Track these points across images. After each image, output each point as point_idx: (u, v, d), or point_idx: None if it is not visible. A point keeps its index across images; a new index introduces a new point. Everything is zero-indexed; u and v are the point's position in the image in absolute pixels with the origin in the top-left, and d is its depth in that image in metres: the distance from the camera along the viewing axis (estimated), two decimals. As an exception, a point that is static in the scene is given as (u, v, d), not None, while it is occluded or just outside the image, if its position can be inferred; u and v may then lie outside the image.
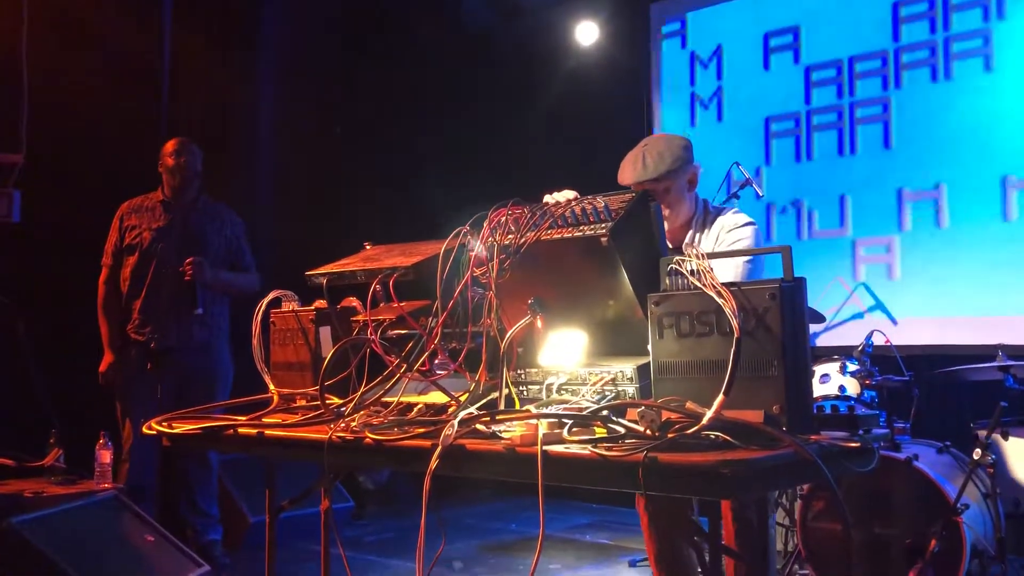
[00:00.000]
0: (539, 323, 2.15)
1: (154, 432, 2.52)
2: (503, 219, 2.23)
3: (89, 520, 3.62)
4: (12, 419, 4.84)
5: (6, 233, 5.16)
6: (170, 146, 4.72)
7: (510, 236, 2.19)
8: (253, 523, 4.94)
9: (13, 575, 3.24)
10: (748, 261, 2.77)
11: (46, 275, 5.25)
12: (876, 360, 4.25)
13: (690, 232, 2.94)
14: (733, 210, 2.99)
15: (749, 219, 2.94)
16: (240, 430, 2.39)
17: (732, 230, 2.88)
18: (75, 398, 4.76)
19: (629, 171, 2.88)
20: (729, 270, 2.72)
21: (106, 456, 4.04)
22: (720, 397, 1.73)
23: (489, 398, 2.12)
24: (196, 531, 4.62)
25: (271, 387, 2.64)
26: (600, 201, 2.15)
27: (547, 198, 2.62)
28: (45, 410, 4.27)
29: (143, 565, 3.50)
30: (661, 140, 2.97)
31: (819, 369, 4.27)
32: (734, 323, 1.77)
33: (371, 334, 2.31)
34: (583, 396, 2.04)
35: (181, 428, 2.51)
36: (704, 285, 1.85)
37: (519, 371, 2.19)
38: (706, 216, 2.96)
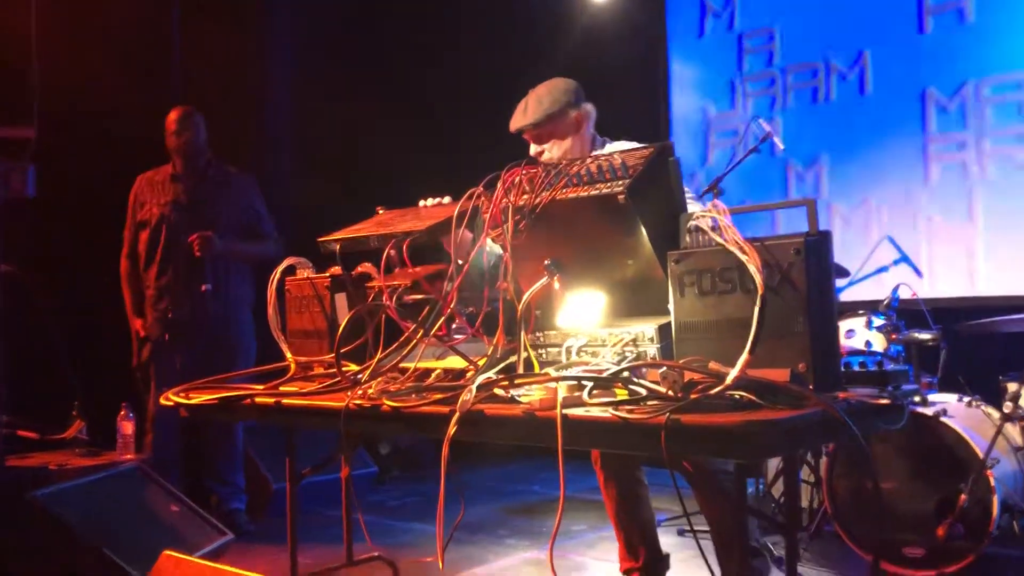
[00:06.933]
0: (556, 285, 2.11)
1: (172, 403, 2.51)
2: (517, 179, 2.18)
3: (112, 491, 3.63)
4: (34, 392, 4.87)
5: (22, 207, 5.14)
6: (171, 123, 4.63)
7: (525, 196, 2.15)
8: (276, 490, 4.96)
9: (38, 547, 3.26)
10: None
11: (64, 248, 5.26)
12: (903, 314, 4.18)
13: None
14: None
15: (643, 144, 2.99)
16: (257, 399, 2.39)
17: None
18: (96, 370, 4.77)
19: (515, 118, 3.01)
20: None
21: (128, 427, 4.06)
22: (744, 356, 1.68)
23: (508, 362, 2.08)
24: (220, 500, 4.64)
25: (288, 355, 2.63)
26: (617, 158, 2.10)
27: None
28: (67, 383, 4.28)
29: (167, 535, 3.51)
30: (543, 86, 3.04)
31: (844, 324, 4.20)
32: (758, 279, 1.71)
33: (386, 300, 2.28)
34: (603, 358, 2.00)
35: (198, 398, 2.50)
36: (726, 241, 1.79)
37: (537, 334, 2.16)
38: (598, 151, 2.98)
